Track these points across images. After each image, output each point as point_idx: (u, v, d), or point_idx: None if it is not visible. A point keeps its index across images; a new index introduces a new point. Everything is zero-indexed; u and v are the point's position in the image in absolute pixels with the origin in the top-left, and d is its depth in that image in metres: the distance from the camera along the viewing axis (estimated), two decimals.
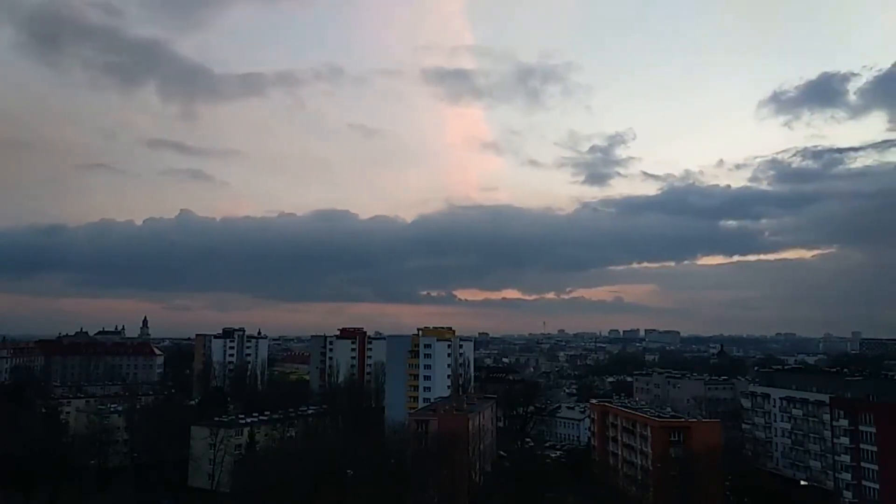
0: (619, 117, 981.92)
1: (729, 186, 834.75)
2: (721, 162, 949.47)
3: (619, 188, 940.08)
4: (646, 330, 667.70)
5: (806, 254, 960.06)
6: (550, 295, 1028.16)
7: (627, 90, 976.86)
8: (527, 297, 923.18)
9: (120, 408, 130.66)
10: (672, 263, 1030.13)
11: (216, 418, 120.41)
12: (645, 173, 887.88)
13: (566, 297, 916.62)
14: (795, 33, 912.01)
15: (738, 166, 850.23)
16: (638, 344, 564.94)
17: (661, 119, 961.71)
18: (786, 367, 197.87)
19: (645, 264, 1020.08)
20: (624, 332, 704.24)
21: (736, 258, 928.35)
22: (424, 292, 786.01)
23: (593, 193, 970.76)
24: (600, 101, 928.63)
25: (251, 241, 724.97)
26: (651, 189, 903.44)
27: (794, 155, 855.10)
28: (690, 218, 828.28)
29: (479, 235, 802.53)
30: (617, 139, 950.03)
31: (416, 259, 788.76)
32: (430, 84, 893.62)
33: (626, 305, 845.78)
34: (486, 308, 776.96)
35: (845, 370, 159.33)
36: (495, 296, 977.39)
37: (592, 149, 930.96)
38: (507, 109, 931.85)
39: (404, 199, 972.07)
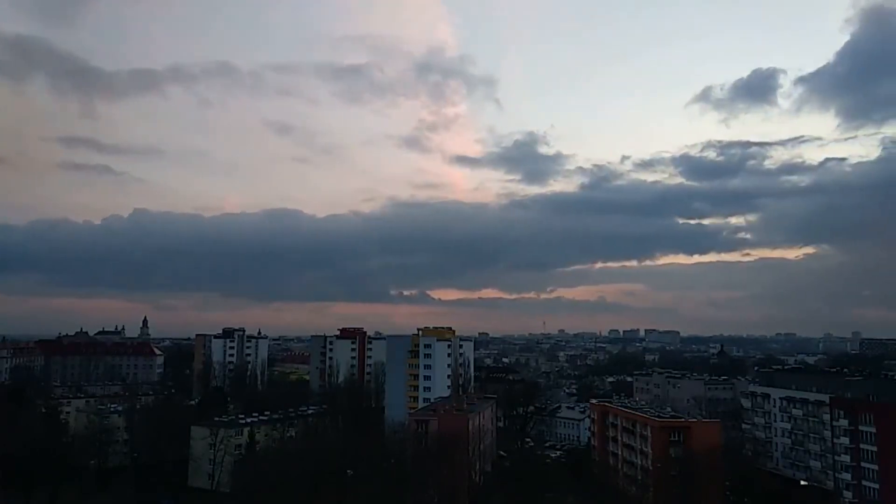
0: (540, 114, 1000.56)
1: (658, 182, 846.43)
2: (656, 155, 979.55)
3: (556, 186, 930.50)
4: (646, 330, 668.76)
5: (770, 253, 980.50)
6: (531, 294, 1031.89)
7: (546, 86, 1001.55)
8: (507, 296, 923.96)
9: (120, 408, 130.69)
10: (634, 263, 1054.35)
11: (216, 418, 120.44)
12: (581, 170, 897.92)
13: (548, 296, 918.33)
14: (728, 31, 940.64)
15: (671, 160, 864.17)
16: (638, 344, 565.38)
17: (585, 114, 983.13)
18: (786, 367, 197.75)
19: (610, 264, 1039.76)
20: (624, 332, 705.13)
21: (697, 257, 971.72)
22: (395, 292, 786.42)
23: (528, 191, 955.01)
24: (518, 97, 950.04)
25: (205, 240, 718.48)
26: (586, 185, 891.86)
27: (722, 148, 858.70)
28: (640, 216, 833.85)
29: (436, 233, 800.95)
30: (538, 136, 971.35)
31: (379, 258, 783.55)
32: (326, 80, 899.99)
33: (609, 305, 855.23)
34: (462, 307, 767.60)
35: (845, 370, 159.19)
36: (471, 295, 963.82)
37: (517, 144, 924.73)
38: (413, 105, 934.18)
39: (343, 197, 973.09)
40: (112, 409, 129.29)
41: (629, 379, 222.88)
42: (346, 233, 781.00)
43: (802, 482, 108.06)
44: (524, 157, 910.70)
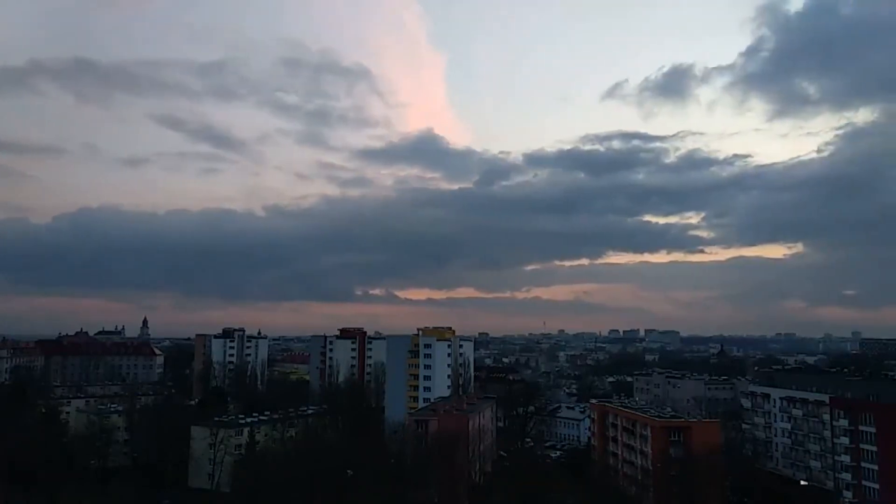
0: (440, 109, 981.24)
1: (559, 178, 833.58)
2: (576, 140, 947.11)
3: (467, 182, 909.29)
4: (646, 330, 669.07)
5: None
6: (506, 294, 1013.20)
7: (437, 80, 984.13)
8: (483, 296, 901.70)
9: (120, 408, 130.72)
10: (586, 261, 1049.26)
11: (216, 418, 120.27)
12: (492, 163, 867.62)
13: (525, 295, 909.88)
14: (640, 27, 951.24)
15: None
16: (638, 344, 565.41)
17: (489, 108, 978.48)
18: (786, 367, 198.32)
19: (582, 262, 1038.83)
20: (624, 332, 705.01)
21: (645, 256, 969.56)
22: (360, 291, 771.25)
23: (445, 187, 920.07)
24: (414, 92, 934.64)
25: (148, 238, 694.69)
26: (487, 181, 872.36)
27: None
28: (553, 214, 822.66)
29: (380, 230, 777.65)
30: (438, 133, 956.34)
31: (331, 256, 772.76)
32: (195, 76, 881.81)
33: (586, 305, 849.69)
34: (431, 307, 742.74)
35: (845, 370, 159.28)
36: (440, 295, 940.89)
37: (421, 140, 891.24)
38: (294, 100, 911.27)
39: (265, 194, 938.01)
40: (112, 409, 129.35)
41: (629, 379, 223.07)
42: (287, 232, 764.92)
43: (802, 482, 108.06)
44: (430, 153, 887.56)
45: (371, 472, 78.39)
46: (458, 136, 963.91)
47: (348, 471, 78.69)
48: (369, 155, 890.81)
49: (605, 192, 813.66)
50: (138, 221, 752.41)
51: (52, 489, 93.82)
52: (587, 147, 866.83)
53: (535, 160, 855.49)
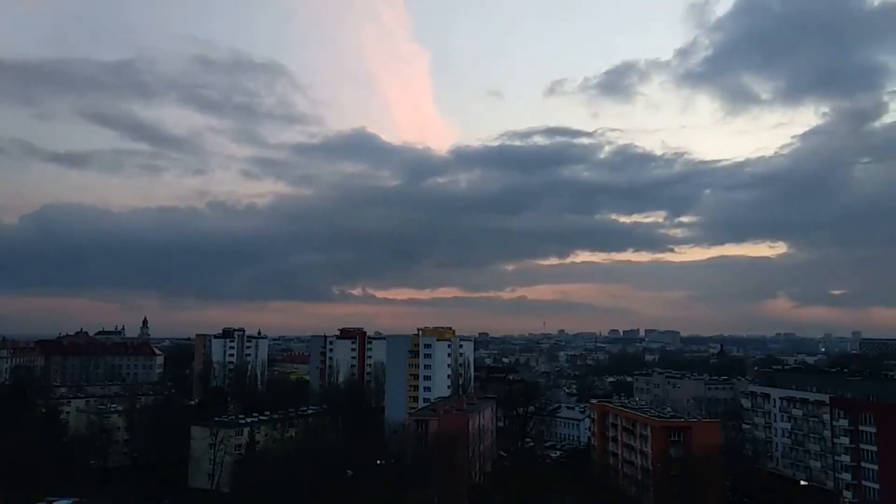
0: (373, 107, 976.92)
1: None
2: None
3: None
4: (646, 330, 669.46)
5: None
6: (490, 293, 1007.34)
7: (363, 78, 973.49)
8: (470, 295, 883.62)
9: (120, 408, 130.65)
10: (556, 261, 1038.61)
11: (216, 418, 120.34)
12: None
13: (511, 295, 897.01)
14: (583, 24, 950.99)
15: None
16: (638, 344, 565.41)
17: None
18: (786, 367, 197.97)
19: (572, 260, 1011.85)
20: (624, 332, 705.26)
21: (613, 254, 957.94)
22: (338, 290, 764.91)
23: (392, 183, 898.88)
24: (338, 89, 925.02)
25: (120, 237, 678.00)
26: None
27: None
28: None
29: (341, 228, 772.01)
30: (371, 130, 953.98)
31: (300, 255, 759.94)
32: (109, 75, 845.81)
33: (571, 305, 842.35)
34: (414, 307, 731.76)
35: (845, 370, 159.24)
36: (422, 295, 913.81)
37: (356, 137, 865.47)
38: (214, 98, 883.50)
39: (205, 192, 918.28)
40: (112, 409, 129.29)
41: (629, 379, 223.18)
42: (253, 230, 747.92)
43: (802, 482, 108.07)
44: (364, 149, 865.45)
45: (371, 472, 78.52)
46: (393, 132, 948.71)
47: (348, 471, 78.80)
48: (308, 150, 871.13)
49: (555, 189, 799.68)
50: (105, 220, 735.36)
51: (52, 489, 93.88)
52: (531, 142, 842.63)
53: (466, 158, 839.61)
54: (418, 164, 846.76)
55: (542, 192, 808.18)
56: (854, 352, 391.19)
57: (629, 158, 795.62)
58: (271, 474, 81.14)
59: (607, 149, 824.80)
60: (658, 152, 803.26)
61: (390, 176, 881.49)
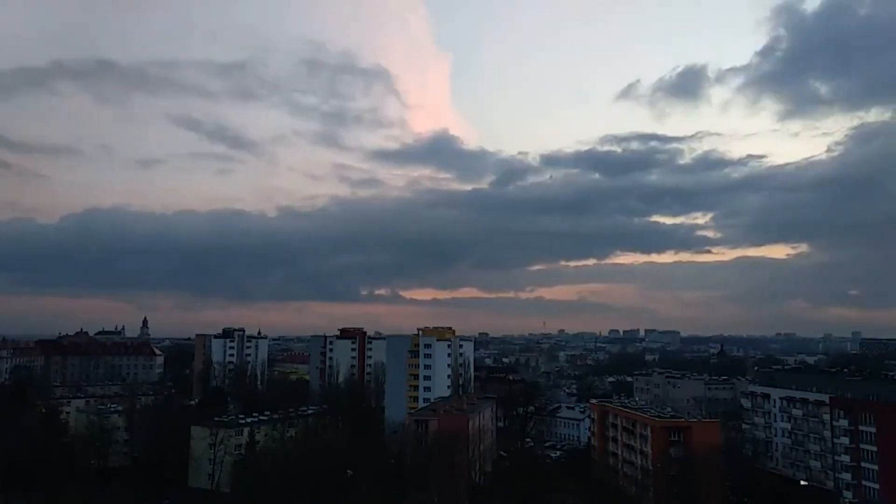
0: (453, 109, 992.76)
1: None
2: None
3: (482, 183, 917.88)
4: (646, 330, 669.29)
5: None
6: (510, 294, 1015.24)
7: (455, 81, 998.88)
8: (487, 296, 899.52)
9: (120, 408, 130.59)
10: (592, 262, 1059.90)
11: (216, 418, 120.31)
12: (506, 164, 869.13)
13: (529, 295, 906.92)
14: (656, 27, 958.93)
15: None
16: (638, 344, 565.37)
17: (509, 110, 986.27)
18: (786, 367, 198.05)
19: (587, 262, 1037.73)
20: (624, 332, 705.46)
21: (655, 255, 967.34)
22: (365, 291, 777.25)
23: (459, 187, 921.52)
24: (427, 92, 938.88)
25: (165, 239, 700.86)
26: (502, 181, 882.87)
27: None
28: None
29: (388, 231, 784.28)
30: (454, 132, 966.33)
31: (339, 256, 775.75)
32: (212, 75, 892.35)
33: (591, 305, 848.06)
34: (435, 307, 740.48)
35: (845, 370, 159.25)
36: (444, 295, 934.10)
37: (435, 140, 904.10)
38: (311, 101, 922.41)
39: (276, 195, 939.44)
40: (112, 409, 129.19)
41: (629, 379, 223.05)
42: (297, 232, 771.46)
43: (802, 482, 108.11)
44: (444, 153, 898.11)
45: (371, 472, 78.41)
46: (468, 137, 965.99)
47: (348, 471, 78.77)
48: (382, 155, 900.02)
49: (618, 192, 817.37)
50: (145, 222, 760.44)
51: (52, 489, 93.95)
52: (605, 148, 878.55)
53: (552, 161, 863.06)
54: (490, 168, 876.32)
55: (606, 196, 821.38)
56: (854, 352, 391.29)
57: (692, 162, 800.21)
58: (271, 474, 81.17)
59: (674, 153, 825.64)
60: (718, 155, 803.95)
61: (453, 178, 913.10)
